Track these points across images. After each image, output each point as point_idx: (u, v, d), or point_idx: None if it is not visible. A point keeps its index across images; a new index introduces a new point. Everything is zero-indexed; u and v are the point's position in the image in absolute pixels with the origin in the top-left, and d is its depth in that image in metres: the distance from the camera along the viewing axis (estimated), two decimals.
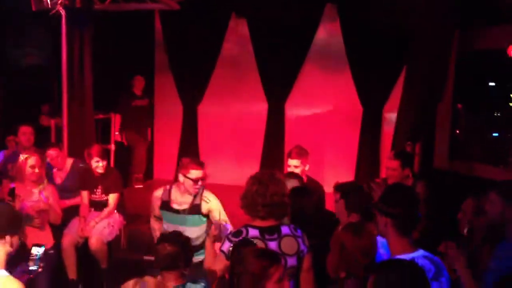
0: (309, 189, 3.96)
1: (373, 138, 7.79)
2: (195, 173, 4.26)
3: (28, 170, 4.88)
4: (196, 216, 4.35)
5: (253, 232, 3.06)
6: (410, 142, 6.05)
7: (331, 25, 8.05)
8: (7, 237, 2.72)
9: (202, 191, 4.38)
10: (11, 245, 2.74)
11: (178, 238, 3.15)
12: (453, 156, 7.10)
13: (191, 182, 4.26)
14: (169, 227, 4.34)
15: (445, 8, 6.11)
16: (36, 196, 4.88)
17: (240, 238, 3.03)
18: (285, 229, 3.11)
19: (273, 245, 3.03)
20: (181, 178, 4.30)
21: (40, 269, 3.19)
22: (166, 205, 4.37)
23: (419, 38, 6.40)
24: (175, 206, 4.35)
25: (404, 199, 2.83)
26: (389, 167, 4.87)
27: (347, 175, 7.42)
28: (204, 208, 4.36)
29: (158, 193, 4.46)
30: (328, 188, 4.91)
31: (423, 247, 2.84)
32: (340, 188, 3.77)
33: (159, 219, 4.51)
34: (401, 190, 3.01)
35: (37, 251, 3.07)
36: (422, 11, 6.18)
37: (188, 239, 3.23)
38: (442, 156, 7.08)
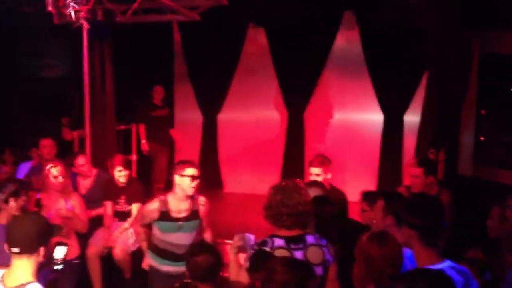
0: (330, 198, 3.94)
1: (395, 144, 7.71)
2: (190, 171, 4.31)
3: (52, 179, 4.93)
4: (195, 222, 4.44)
5: (278, 242, 3.05)
6: (433, 149, 5.98)
7: (349, 32, 8.02)
8: (41, 249, 2.74)
9: (198, 196, 4.45)
10: (42, 255, 2.76)
11: (214, 249, 3.16)
12: (478, 162, 7.00)
13: (188, 180, 4.29)
14: (165, 236, 4.39)
15: (455, 8, 6.04)
16: (62, 205, 4.93)
17: (266, 248, 3.02)
18: (310, 238, 3.11)
19: (299, 254, 3.02)
20: (177, 179, 4.32)
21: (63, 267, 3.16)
22: (165, 215, 4.36)
23: (437, 41, 6.34)
24: (174, 214, 4.36)
25: (429, 209, 2.79)
26: (412, 174, 4.83)
27: (369, 183, 7.37)
28: (202, 211, 4.47)
29: (154, 205, 4.40)
30: (351, 196, 4.89)
31: (450, 255, 2.80)
32: (377, 192, 3.77)
33: (146, 226, 4.53)
34: (425, 200, 2.97)
35: (60, 250, 3.07)
36: (434, 12, 6.13)
37: (219, 250, 3.26)
38: (466, 162, 6.99)
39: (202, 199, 4.49)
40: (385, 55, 7.45)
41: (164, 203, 4.37)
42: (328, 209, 3.65)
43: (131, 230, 5.56)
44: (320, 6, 7.54)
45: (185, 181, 4.29)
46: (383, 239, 2.71)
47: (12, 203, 4.05)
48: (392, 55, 7.36)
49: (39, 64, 8.29)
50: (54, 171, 4.95)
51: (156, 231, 4.43)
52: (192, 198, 4.39)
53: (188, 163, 4.37)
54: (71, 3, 4.40)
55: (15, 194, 4.08)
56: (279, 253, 2.97)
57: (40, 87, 7.97)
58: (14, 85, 7.93)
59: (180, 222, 4.34)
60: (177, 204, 4.37)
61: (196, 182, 4.31)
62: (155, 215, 4.36)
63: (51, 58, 8.38)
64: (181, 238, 4.34)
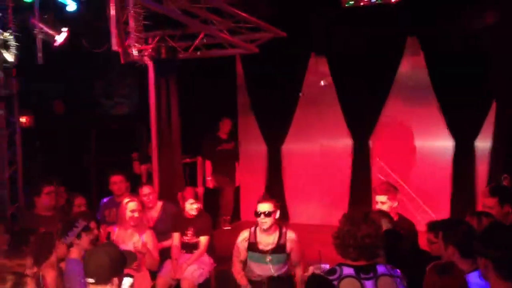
0: (402, 233, 3.82)
1: (467, 171, 7.40)
2: (261, 207, 4.61)
3: (128, 214, 5.05)
4: (281, 255, 4.63)
5: (347, 271, 2.96)
6: (506, 174, 5.64)
7: (414, 58, 7.87)
8: (114, 279, 2.82)
9: (286, 231, 4.67)
10: (116, 285, 2.83)
11: None
12: None
13: (259, 216, 4.60)
14: (254, 266, 4.68)
15: None
16: (136, 240, 5.01)
17: (334, 276, 2.95)
18: (381, 268, 3.00)
19: (369, 284, 2.91)
20: (255, 215, 4.68)
21: None
22: (253, 246, 4.66)
23: (504, 65, 6.09)
24: (261, 247, 4.65)
25: (506, 240, 2.65)
26: (486, 205, 4.50)
27: (441, 212, 7.07)
28: (289, 247, 4.64)
29: (244, 235, 4.75)
30: (421, 227, 4.70)
31: None
32: (441, 222, 3.68)
33: (243, 263, 4.68)
34: (502, 230, 2.82)
35: (126, 281, 3.14)
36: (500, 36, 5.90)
37: None
38: None
39: (291, 235, 4.68)
40: (453, 79, 7.23)
41: (254, 234, 4.71)
42: (400, 246, 3.55)
43: (198, 263, 5.60)
44: (382, 32, 7.46)
45: (258, 217, 4.60)
46: (446, 270, 2.68)
47: (84, 238, 4.16)
48: (459, 79, 7.13)
49: (108, 102, 8.70)
50: (130, 205, 5.06)
51: (248, 262, 4.75)
52: (280, 232, 4.63)
53: (261, 199, 4.65)
54: (136, 43, 4.62)
55: (87, 229, 4.20)
56: (347, 282, 2.89)
57: (112, 124, 8.35)
58: (91, 123, 8.36)
59: (265, 255, 4.62)
60: (264, 237, 4.64)
61: (268, 217, 4.55)
62: (245, 244, 4.71)
63: (122, 96, 8.77)
64: (267, 270, 4.61)
